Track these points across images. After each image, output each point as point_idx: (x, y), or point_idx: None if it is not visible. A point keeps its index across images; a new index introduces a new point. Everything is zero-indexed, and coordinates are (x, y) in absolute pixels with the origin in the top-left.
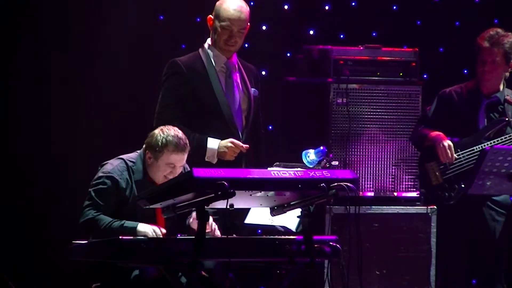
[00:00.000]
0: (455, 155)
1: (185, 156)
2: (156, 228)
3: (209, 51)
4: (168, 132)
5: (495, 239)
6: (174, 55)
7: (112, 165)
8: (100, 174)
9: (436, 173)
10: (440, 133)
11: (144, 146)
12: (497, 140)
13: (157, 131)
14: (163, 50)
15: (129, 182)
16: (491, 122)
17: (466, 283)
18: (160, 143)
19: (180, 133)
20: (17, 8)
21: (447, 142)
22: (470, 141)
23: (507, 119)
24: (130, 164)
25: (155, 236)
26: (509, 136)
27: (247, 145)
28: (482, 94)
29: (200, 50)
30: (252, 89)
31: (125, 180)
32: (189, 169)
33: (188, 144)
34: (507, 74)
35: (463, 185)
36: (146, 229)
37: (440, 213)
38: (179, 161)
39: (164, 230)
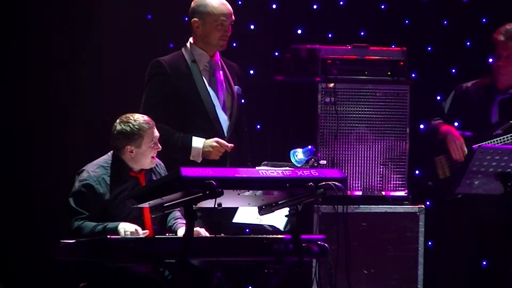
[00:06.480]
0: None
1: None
2: (136, 227)
3: (192, 50)
4: (129, 117)
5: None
6: (162, 54)
7: (88, 172)
8: (76, 183)
9: (444, 167)
10: (452, 128)
11: (116, 148)
12: (507, 138)
13: (118, 127)
14: (151, 49)
15: (108, 185)
16: (502, 119)
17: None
18: (135, 130)
19: (135, 115)
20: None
21: (459, 140)
22: (480, 136)
23: None
24: (106, 166)
25: (133, 235)
26: None
27: (232, 145)
28: (497, 90)
29: (183, 49)
30: (236, 86)
31: (102, 185)
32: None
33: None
34: None
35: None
36: (126, 228)
37: (446, 209)
38: (156, 134)
39: (146, 231)
